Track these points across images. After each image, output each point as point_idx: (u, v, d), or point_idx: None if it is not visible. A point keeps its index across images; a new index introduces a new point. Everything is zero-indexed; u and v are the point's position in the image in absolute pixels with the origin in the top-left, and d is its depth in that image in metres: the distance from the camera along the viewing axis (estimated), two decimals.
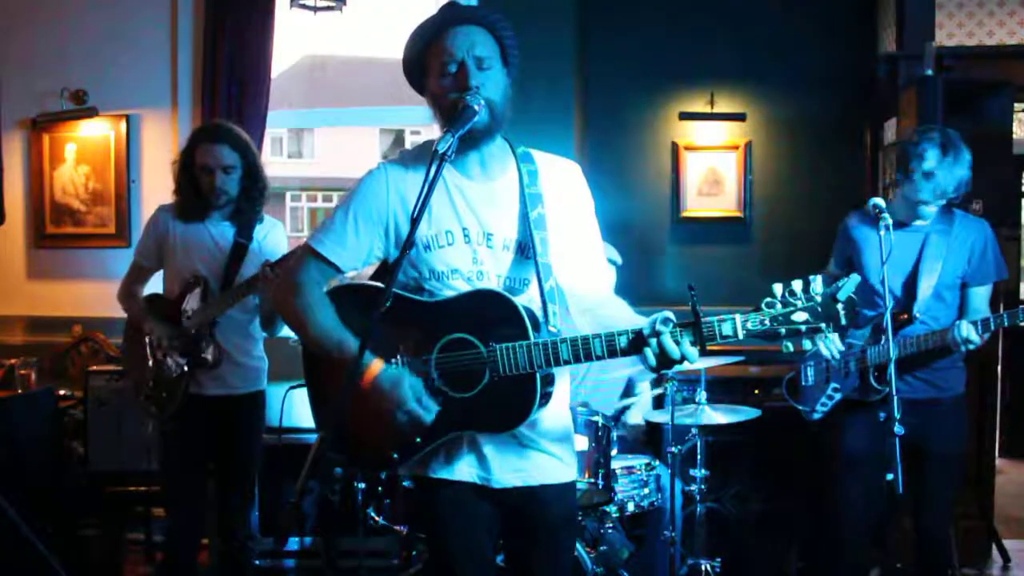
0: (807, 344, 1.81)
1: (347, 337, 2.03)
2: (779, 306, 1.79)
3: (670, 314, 1.86)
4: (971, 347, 2.94)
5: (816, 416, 3.29)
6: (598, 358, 1.90)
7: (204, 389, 3.28)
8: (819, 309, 1.77)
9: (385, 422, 2.01)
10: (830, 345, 3.07)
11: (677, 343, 1.82)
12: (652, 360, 1.84)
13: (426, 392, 1.98)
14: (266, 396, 3.47)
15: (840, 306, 1.76)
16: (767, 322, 1.80)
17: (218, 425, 3.31)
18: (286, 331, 3.47)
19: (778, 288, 1.80)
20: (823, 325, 1.77)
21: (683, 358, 1.83)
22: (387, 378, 1.98)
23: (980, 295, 3.11)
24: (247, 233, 3.32)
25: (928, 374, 3.11)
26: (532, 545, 2.17)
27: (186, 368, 3.22)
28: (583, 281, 2.14)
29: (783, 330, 1.79)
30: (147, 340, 3.35)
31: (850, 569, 3.25)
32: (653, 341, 1.83)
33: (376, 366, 1.99)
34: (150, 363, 3.32)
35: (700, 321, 1.81)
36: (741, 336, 1.81)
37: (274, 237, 3.39)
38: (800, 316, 1.78)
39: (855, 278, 1.78)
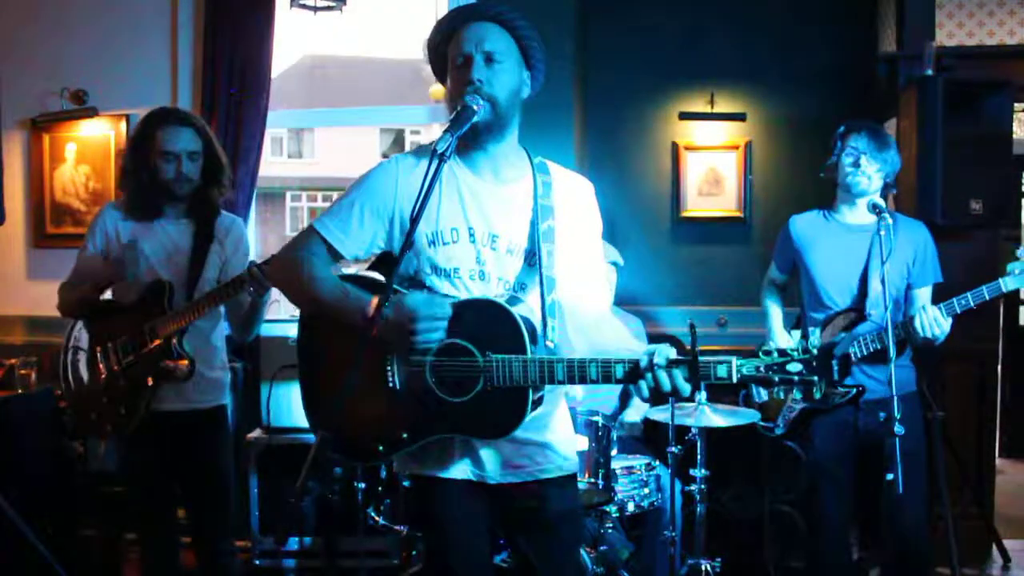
0: (797, 393, 1.86)
1: (349, 287, 2.03)
2: (776, 354, 1.83)
3: (670, 350, 1.87)
4: (938, 333, 2.94)
5: (779, 431, 3.28)
6: (592, 382, 1.92)
7: (163, 404, 3.02)
8: (814, 363, 1.81)
9: (378, 404, 2.01)
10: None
11: (671, 379, 1.85)
12: (645, 392, 1.87)
13: (433, 297, 1.97)
14: (228, 410, 3.23)
15: (835, 362, 1.81)
16: (762, 369, 1.84)
17: (180, 442, 3.06)
18: (270, 330, 3.42)
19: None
20: (815, 379, 1.81)
21: (675, 390, 1.85)
22: (390, 304, 1.95)
23: (923, 296, 3.15)
24: (207, 231, 3.08)
25: (881, 373, 3.07)
26: (534, 541, 2.17)
27: (150, 382, 2.97)
28: (584, 301, 2.15)
29: (777, 378, 1.83)
30: (98, 351, 3.09)
31: (833, 570, 3.25)
32: (648, 375, 1.85)
33: (375, 300, 1.97)
34: (103, 376, 3.07)
35: (697, 360, 1.84)
36: (735, 380, 1.85)
37: (236, 233, 3.16)
38: (794, 367, 1.82)
39: (851, 337, 1.81)
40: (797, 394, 3.14)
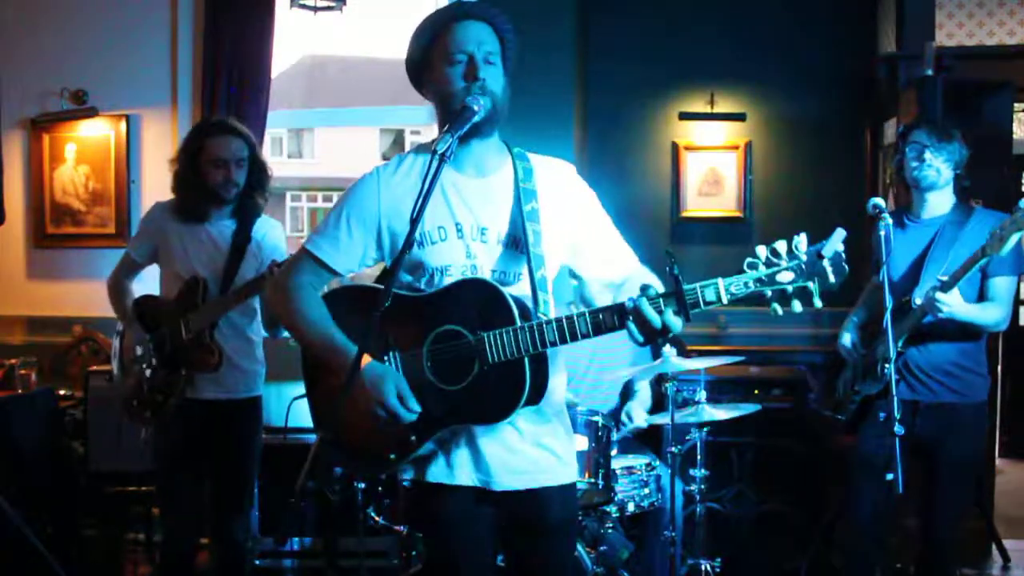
0: (796, 306, 1.73)
1: (336, 333, 2.04)
2: (762, 267, 1.74)
3: (654, 287, 1.83)
4: (947, 311, 2.88)
5: (843, 418, 3.28)
6: (583, 336, 1.88)
7: (201, 392, 3.20)
8: (804, 267, 1.71)
9: (373, 422, 2.01)
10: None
11: (660, 312, 1.80)
12: (638, 334, 1.82)
13: (409, 391, 1.97)
14: (263, 402, 3.39)
15: (826, 262, 1.70)
16: (751, 284, 1.74)
17: (214, 430, 3.23)
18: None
19: (761, 250, 1.74)
20: (810, 284, 1.71)
21: (666, 327, 1.80)
22: (370, 373, 1.97)
23: (1000, 285, 3.03)
24: (246, 232, 3.27)
25: (949, 378, 3.07)
26: (532, 546, 2.16)
27: (184, 371, 3.17)
28: (611, 269, 2.14)
29: (768, 292, 1.74)
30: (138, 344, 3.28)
31: (862, 568, 3.23)
32: (636, 313, 1.81)
33: (362, 361, 1.97)
34: (145, 366, 3.25)
35: (682, 289, 1.78)
36: (726, 301, 1.76)
37: (273, 236, 3.35)
38: (785, 276, 1.72)
39: (840, 233, 1.71)
40: (859, 388, 3.17)
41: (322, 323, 2.08)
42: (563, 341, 1.90)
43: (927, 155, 3.07)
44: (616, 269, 2.14)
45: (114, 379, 3.43)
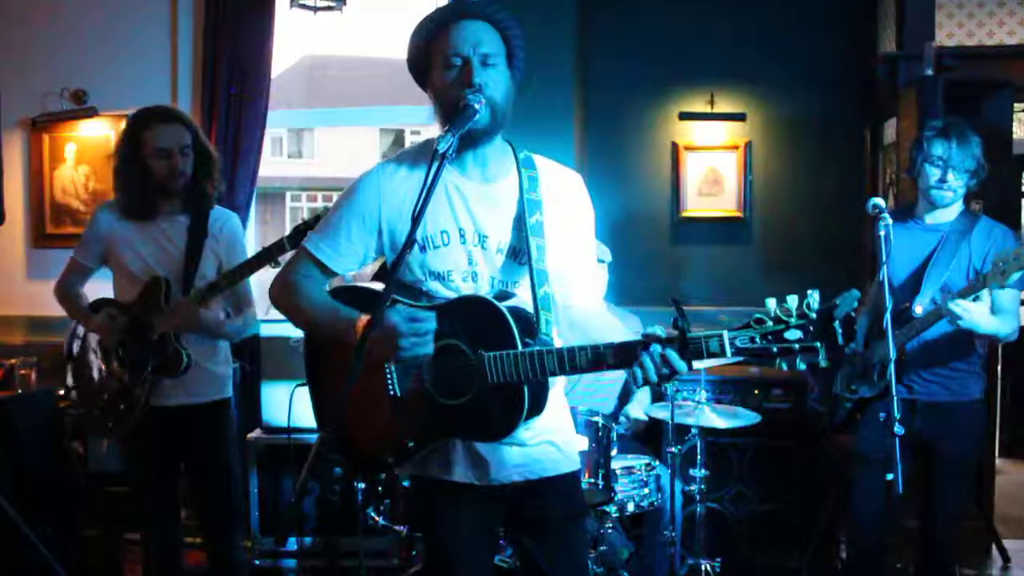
0: (801, 364, 1.69)
1: (342, 307, 2.03)
2: (771, 323, 1.70)
3: (659, 330, 1.81)
4: (967, 320, 2.86)
5: (838, 419, 3.28)
6: (583, 370, 1.87)
7: (166, 399, 3.06)
8: (812, 328, 1.66)
9: (382, 415, 2.00)
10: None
11: (665, 358, 1.78)
12: (640, 378, 1.81)
13: (416, 313, 1.93)
14: (232, 404, 3.26)
15: (837, 324, 1.64)
16: (757, 339, 1.71)
17: (184, 437, 3.09)
18: (270, 330, 3.42)
19: (771, 303, 1.70)
20: (817, 344, 1.66)
21: (671, 370, 1.79)
22: (381, 323, 1.90)
23: (1004, 297, 3.01)
24: (202, 225, 3.10)
25: (943, 378, 3.08)
26: (540, 541, 2.15)
27: (148, 376, 3.01)
28: (576, 296, 2.12)
29: (775, 348, 1.69)
30: (100, 348, 3.15)
31: (865, 567, 3.23)
32: (642, 356, 1.80)
33: (363, 318, 1.96)
34: (104, 373, 3.13)
35: (687, 336, 1.76)
36: (729, 354, 1.73)
37: (230, 228, 3.19)
38: (793, 334, 1.67)
39: (853, 293, 1.66)
40: (856, 387, 3.16)
41: (327, 303, 2.07)
42: (562, 372, 1.89)
43: (949, 176, 3.04)
44: (582, 298, 2.12)
45: (72, 394, 3.30)
